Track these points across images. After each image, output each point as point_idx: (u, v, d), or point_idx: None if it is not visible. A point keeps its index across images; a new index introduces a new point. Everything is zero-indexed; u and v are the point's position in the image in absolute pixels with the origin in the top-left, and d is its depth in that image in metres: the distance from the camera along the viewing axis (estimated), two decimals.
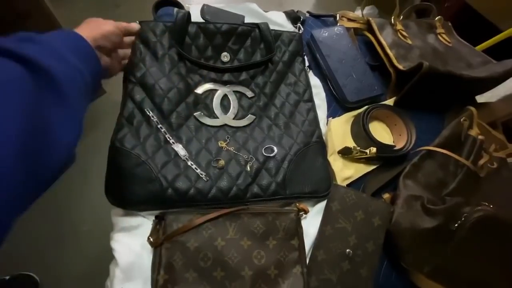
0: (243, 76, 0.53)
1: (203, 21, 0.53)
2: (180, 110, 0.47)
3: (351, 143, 0.54)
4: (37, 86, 0.24)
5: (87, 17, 0.42)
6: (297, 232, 0.42)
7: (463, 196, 0.48)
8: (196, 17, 0.53)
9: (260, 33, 0.54)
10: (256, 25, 0.53)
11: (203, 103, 0.49)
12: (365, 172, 0.51)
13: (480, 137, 0.51)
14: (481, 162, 0.52)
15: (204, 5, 0.54)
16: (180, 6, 0.55)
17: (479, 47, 0.79)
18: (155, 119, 0.45)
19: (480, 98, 0.80)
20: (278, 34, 0.56)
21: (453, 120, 0.57)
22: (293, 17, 0.60)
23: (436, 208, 0.42)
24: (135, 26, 0.47)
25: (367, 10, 1.77)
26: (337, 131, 0.54)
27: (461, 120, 0.54)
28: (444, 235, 0.42)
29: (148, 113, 0.45)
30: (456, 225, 0.43)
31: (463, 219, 0.43)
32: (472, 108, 0.55)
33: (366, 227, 0.43)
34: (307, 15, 0.69)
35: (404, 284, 0.45)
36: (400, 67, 0.57)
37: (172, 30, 0.50)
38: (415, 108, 0.62)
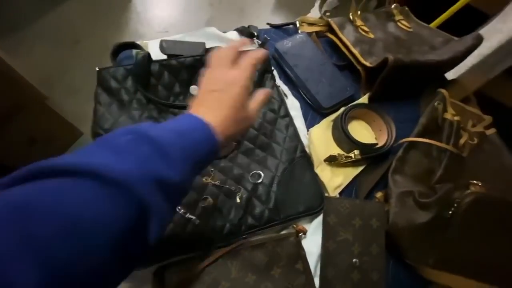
0: None
1: (165, 57, 0.52)
2: None
3: (335, 149, 0.54)
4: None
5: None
6: (300, 255, 0.41)
7: (452, 180, 0.49)
8: (155, 53, 0.52)
9: None
10: None
11: None
12: (354, 175, 0.51)
13: (455, 118, 0.52)
14: (462, 141, 0.54)
15: (162, 41, 0.52)
16: (139, 48, 0.54)
17: (435, 23, 0.81)
18: None
19: (448, 73, 0.82)
20: None
21: (427, 103, 0.58)
22: (247, 33, 0.60)
23: (428, 201, 0.43)
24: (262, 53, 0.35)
25: (327, 3, 1.79)
26: (320, 139, 0.54)
27: (435, 104, 0.55)
28: (441, 225, 0.43)
29: None
30: (450, 212, 0.43)
31: (455, 205, 0.43)
32: (443, 91, 0.56)
33: (366, 232, 0.43)
34: (268, 26, 0.69)
35: (413, 280, 0.46)
36: (367, 63, 0.57)
37: (134, 73, 0.48)
38: (391, 100, 0.62)
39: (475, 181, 0.50)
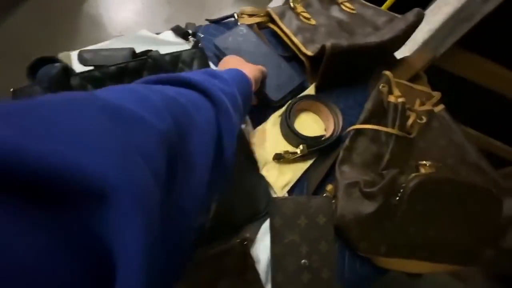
0: None
1: (90, 68, 0.48)
2: None
3: (285, 146, 0.52)
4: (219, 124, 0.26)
5: None
6: (247, 264, 0.39)
7: (400, 164, 0.48)
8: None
9: (154, 62, 0.49)
10: (146, 56, 0.49)
11: None
12: (303, 170, 0.49)
13: (400, 100, 0.51)
14: (410, 122, 0.53)
15: (81, 51, 0.48)
16: (58, 61, 0.49)
17: (386, 4, 0.79)
18: None
19: (403, 51, 0.81)
20: (176, 56, 0.52)
21: (375, 86, 0.56)
22: (181, 33, 0.56)
23: (373, 190, 0.42)
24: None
25: None
26: (267, 138, 0.52)
27: (380, 87, 0.53)
28: (389, 212, 0.42)
29: None
30: (397, 198, 0.42)
31: (401, 191, 0.43)
32: (387, 72, 0.55)
33: (313, 230, 0.41)
34: (207, 23, 0.65)
35: (370, 270, 0.45)
36: (309, 52, 0.55)
37: (52, 91, 0.44)
38: (340, 86, 0.61)
39: (424, 162, 0.49)
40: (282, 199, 0.42)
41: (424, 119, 0.55)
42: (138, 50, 0.53)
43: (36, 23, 1.55)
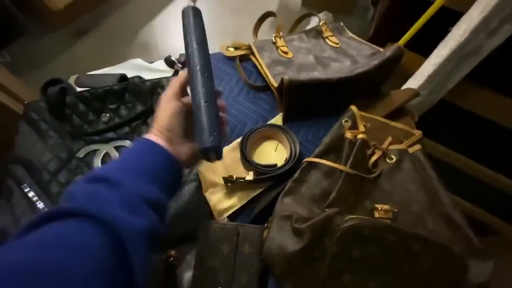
0: (126, 130, 0.56)
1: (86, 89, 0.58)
2: (60, 178, 0.50)
3: (240, 171, 0.53)
4: (112, 245, 0.24)
5: None
6: (170, 282, 0.41)
7: (350, 204, 0.46)
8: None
9: (134, 87, 0.57)
10: (128, 81, 0.57)
11: (86, 165, 0.52)
12: (250, 197, 0.50)
13: (359, 136, 0.49)
14: (372, 160, 0.50)
15: (79, 76, 0.59)
16: (63, 83, 0.60)
17: (414, 27, 0.75)
18: (31, 194, 0.48)
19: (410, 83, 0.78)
20: (156, 83, 0.59)
21: None
22: (169, 62, 0.64)
23: (302, 227, 0.40)
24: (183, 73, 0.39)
25: (322, 16, 1.79)
26: (225, 160, 0.54)
27: (342, 122, 0.52)
28: (318, 254, 0.40)
29: (25, 190, 0.48)
30: (329, 240, 0.40)
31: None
32: (353, 107, 0.53)
33: (234, 259, 0.41)
34: None
35: None
36: (275, 85, 0.57)
37: (50, 106, 0.54)
38: (313, 117, 0.60)
39: (380, 205, 0.46)
40: (210, 223, 0.43)
41: (394, 159, 0.51)
42: (130, 76, 0.62)
43: (96, 48, 1.87)
